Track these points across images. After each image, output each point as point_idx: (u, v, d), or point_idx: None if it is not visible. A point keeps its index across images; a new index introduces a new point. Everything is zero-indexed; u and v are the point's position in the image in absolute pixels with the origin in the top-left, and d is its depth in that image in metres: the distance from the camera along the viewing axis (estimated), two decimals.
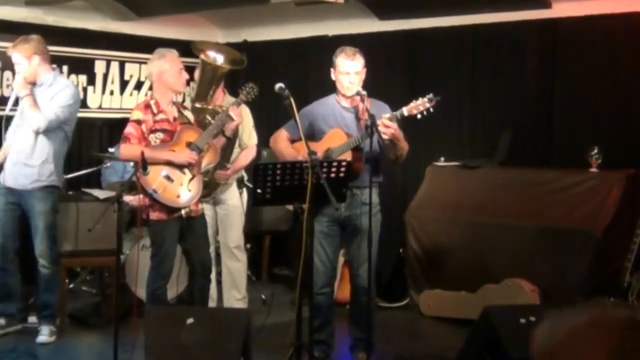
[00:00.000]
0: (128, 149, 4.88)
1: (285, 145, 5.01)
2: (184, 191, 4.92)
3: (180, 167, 4.92)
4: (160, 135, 4.97)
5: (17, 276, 5.67)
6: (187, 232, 5.05)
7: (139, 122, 4.93)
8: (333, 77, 4.95)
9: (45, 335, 5.43)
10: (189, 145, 4.95)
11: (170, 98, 5.10)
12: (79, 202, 5.94)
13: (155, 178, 4.81)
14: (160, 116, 4.99)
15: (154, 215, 4.92)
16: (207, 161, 5.09)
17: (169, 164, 4.88)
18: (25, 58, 5.31)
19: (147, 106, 5.01)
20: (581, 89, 6.26)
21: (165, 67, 5.02)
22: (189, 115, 5.24)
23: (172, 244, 5.02)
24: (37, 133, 5.32)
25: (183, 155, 4.90)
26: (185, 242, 5.10)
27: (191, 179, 4.96)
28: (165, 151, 4.90)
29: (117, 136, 7.21)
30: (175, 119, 5.06)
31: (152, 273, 5.03)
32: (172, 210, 4.91)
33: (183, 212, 4.93)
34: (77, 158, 7.21)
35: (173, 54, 5.11)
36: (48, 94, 5.36)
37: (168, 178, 4.86)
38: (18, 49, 5.33)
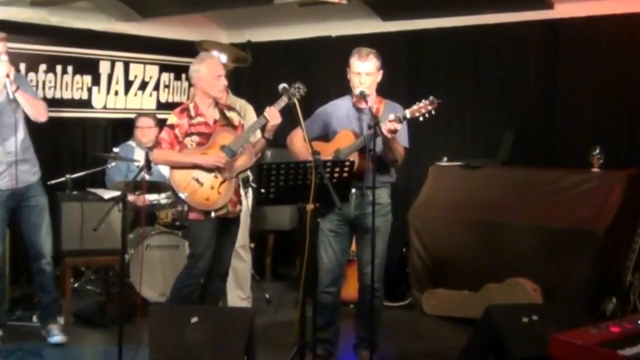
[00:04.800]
0: (158, 154, 4.98)
1: (301, 145, 5.04)
2: (213, 194, 4.93)
3: (210, 170, 4.94)
4: (196, 138, 4.98)
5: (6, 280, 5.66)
6: (223, 232, 5.07)
7: (172, 126, 4.98)
8: (349, 77, 4.99)
9: (60, 334, 5.43)
10: (223, 148, 4.95)
11: (210, 102, 5.06)
12: (83, 201, 5.96)
13: (186, 181, 4.87)
14: (198, 119, 5.00)
15: (192, 215, 4.99)
16: (241, 164, 5.03)
17: (198, 167, 4.91)
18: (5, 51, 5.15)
19: (184, 110, 5.03)
20: (583, 89, 6.28)
21: (202, 72, 5.01)
22: (235, 116, 5.17)
23: (208, 245, 5.00)
24: (41, 122, 5.28)
25: (210, 158, 4.91)
26: (218, 242, 5.07)
27: (222, 182, 4.96)
28: (196, 155, 4.93)
29: (122, 136, 7.30)
30: (215, 121, 5.04)
31: (184, 271, 5.07)
32: (207, 211, 4.95)
33: (213, 214, 4.94)
34: (81, 158, 7.26)
35: (213, 59, 5.10)
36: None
37: (197, 181, 4.90)
38: (3, 40, 5.14)
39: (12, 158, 5.24)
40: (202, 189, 4.91)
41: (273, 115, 4.95)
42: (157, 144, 5.02)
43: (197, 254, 4.99)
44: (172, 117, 5.02)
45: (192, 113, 5.01)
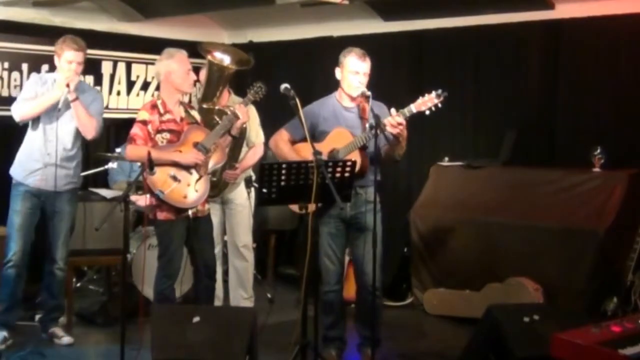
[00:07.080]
0: (134, 150, 4.92)
1: (288, 148, 5.04)
2: (191, 191, 4.93)
3: (187, 167, 4.94)
4: (167, 135, 4.98)
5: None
6: (194, 232, 5.05)
7: (144, 122, 4.95)
8: (338, 76, 4.98)
9: (66, 335, 5.51)
10: (196, 145, 4.97)
11: (177, 98, 5.10)
12: (86, 201, 5.97)
13: (162, 178, 4.84)
14: (167, 116, 5.00)
15: (162, 215, 4.94)
16: (214, 161, 5.09)
17: (176, 164, 4.90)
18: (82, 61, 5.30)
19: (154, 106, 5.02)
20: (584, 89, 6.29)
21: (173, 67, 5.03)
22: (196, 115, 5.24)
23: (179, 244, 5.02)
24: (87, 140, 5.44)
25: (189, 156, 4.92)
26: (191, 242, 5.10)
27: (198, 179, 4.97)
28: (172, 152, 4.92)
29: (124, 136, 7.27)
30: (182, 119, 5.07)
31: (159, 273, 5.03)
32: (179, 210, 4.92)
33: (190, 212, 4.96)
34: (84, 158, 7.24)
35: (182, 54, 5.11)
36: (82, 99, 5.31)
37: (175, 178, 4.88)
38: (81, 50, 5.29)
39: (50, 161, 5.28)
40: (179, 186, 4.89)
41: (243, 112, 5.10)
42: (130, 140, 4.96)
43: (170, 254, 4.97)
44: (143, 113, 4.99)
45: (161, 110, 5.01)
